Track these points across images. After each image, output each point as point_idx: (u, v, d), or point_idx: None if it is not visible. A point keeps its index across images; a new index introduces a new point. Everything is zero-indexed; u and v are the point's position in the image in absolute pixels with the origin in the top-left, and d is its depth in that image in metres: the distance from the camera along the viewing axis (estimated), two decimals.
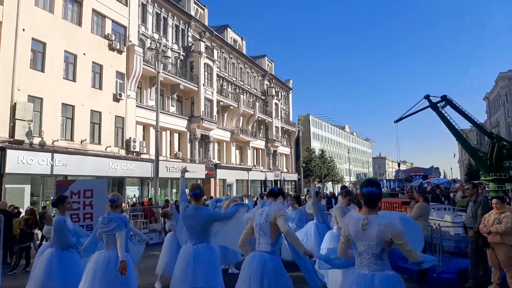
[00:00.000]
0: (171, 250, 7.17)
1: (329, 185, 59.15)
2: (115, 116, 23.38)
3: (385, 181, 47.82)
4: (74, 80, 20.83)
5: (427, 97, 33.94)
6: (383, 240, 2.90)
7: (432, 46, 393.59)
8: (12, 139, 17.09)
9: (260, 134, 44.57)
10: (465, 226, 7.47)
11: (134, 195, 25.16)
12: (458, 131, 33.88)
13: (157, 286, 7.04)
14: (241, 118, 39.97)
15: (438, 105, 33.52)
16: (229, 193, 34.12)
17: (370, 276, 2.92)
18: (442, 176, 69.94)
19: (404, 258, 8.27)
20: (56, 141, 19.29)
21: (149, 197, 23.22)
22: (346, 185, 35.36)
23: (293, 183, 53.29)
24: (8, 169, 16.67)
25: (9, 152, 16.69)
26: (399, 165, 57.01)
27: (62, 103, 20.05)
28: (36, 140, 18.33)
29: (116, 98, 23.26)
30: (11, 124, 17.19)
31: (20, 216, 12.72)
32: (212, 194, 30.61)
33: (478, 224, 6.73)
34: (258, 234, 3.87)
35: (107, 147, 22.45)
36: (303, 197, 32.42)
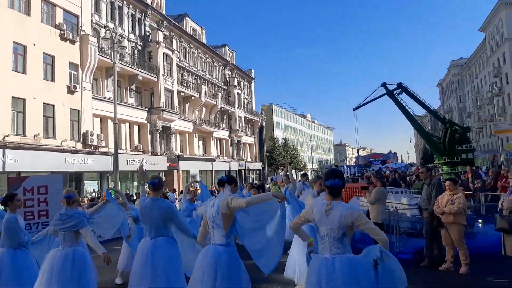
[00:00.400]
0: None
1: (292, 172, 60.01)
2: (70, 109, 22.42)
3: (345, 167, 49.17)
4: (24, 72, 19.75)
5: (383, 85, 34.94)
6: (344, 224, 3.06)
7: (389, 34, 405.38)
8: None
9: (223, 125, 44.36)
10: (420, 208, 7.79)
11: (93, 189, 24.40)
12: (413, 117, 35.19)
13: (118, 281, 6.88)
14: (203, 108, 39.55)
15: (394, 92, 34.62)
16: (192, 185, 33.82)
17: (331, 259, 3.05)
18: (399, 161, 72.78)
19: (363, 241, 8.54)
20: (7, 136, 18.29)
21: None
22: (307, 172, 35.99)
23: (258, 172, 53.73)
24: None
25: None
26: (358, 151, 58.65)
27: (12, 97, 19.00)
28: None
29: (71, 90, 22.28)
30: None
31: None
32: (176, 186, 30.21)
33: (432, 206, 7.04)
34: (211, 227, 3.77)
35: (62, 141, 21.53)
36: (268, 185, 32.77)
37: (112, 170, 21.80)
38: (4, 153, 17.72)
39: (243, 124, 48.86)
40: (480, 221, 10.40)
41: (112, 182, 23.41)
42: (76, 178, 23.18)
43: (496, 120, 43.23)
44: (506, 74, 50.17)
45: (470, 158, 32.22)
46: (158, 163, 29.31)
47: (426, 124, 60.47)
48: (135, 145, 28.69)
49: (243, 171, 47.43)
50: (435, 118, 43.46)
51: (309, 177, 12.13)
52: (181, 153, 34.12)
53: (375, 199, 7.63)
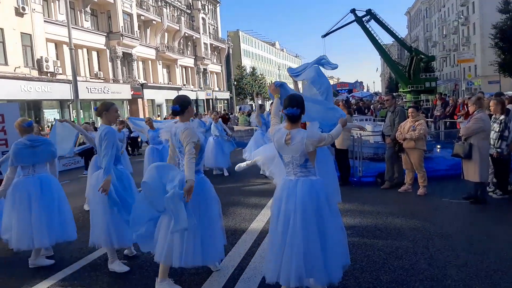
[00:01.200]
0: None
1: (260, 101, 59.95)
2: (21, 33, 20.65)
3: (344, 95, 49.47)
4: None
5: (353, 11, 34.31)
6: (305, 152, 3.13)
7: None
8: None
9: (188, 52, 42.68)
10: (383, 134, 8.06)
11: (54, 118, 23.51)
12: (381, 45, 35.25)
13: (86, 208, 6.90)
14: (166, 34, 37.59)
15: (363, 19, 34.18)
16: (159, 114, 33.27)
17: (295, 180, 3.20)
18: (365, 90, 74.03)
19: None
20: None
21: (72, 119, 21.84)
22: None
23: (226, 101, 53.20)
24: None
25: None
26: None
27: None
28: None
29: (19, 12, 20.33)
30: None
31: None
32: (141, 115, 29.59)
33: (395, 132, 7.28)
34: (179, 155, 3.68)
35: (16, 67, 20.13)
36: (236, 114, 32.72)
37: (72, 98, 20.89)
38: None
39: (209, 52, 47.24)
40: (438, 146, 10.97)
41: (73, 111, 22.59)
42: (34, 107, 22.12)
43: (460, 50, 44.04)
44: (473, 3, 50.20)
45: (433, 87, 33.25)
46: (121, 92, 28.33)
47: (393, 53, 61.01)
48: (95, 72, 27.31)
49: (210, 100, 46.84)
50: (402, 47, 43.77)
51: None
52: (145, 81, 32.96)
53: None
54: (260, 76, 60.09)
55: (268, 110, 10.58)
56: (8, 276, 4.29)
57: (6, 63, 19.75)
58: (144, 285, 3.85)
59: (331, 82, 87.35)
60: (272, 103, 4.45)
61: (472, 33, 51.24)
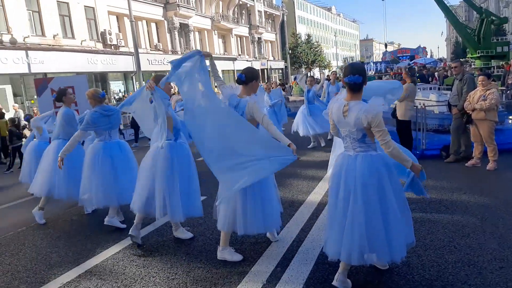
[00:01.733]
0: None
1: (316, 71, 58.69)
2: (84, 6, 21.66)
3: (372, 64, 47.46)
4: None
5: None
6: (362, 127, 2.94)
7: None
8: None
9: (243, 20, 42.34)
10: (450, 105, 7.57)
11: (119, 90, 24.73)
12: (447, 6, 32.68)
13: None
14: (221, 2, 37.47)
15: None
16: (216, 85, 33.68)
17: (354, 156, 3.06)
18: (428, 56, 69.59)
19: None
20: (27, 37, 18.12)
21: (134, 91, 22.85)
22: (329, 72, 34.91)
23: (280, 71, 52.62)
24: None
25: None
26: (386, 46, 56.08)
27: None
28: (6, 38, 17.18)
29: None
30: None
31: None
32: None
33: (463, 102, 6.81)
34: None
35: (82, 41, 21.26)
36: (289, 84, 32.36)
37: (135, 70, 21.75)
38: (27, 55, 17.75)
39: (264, 20, 46.52)
40: (510, 117, 10.15)
41: (136, 82, 23.57)
42: (101, 79, 23.40)
43: None
44: None
45: (505, 52, 30.50)
46: None
47: (460, 15, 56.27)
48: (155, 44, 28.10)
49: (265, 70, 46.56)
50: (471, 8, 40.22)
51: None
52: None
53: (404, 97, 7.40)
54: (315, 43, 58.29)
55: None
56: (85, 238, 4.71)
57: (73, 37, 20.88)
58: (207, 251, 4.04)
59: (391, 49, 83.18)
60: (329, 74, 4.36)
61: None
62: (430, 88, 13.54)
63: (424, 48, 65.40)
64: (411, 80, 7.68)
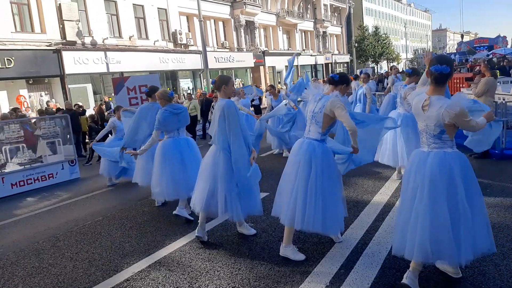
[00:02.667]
0: None
1: (383, 64, 56.40)
2: (158, 8, 22.81)
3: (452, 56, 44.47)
4: None
5: None
6: (442, 123, 2.83)
7: None
8: (64, 41, 17.51)
9: (308, 15, 41.83)
10: None
11: (188, 87, 25.75)
12: None
13: None
14: None
15: None
16: (279, 81, 33.80)
17: (427, 152, 2.97)
18: (509, 46, 63.57)
19: (462, 135, 8.03)
20: (106, 39, 19.52)
21: (203, 88, 23.63)
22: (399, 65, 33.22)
23: (345, 65, 51.30)
24: (67, 70, 17.44)
25: (64, 54, 17.25)
26: (462, 37, 52.15)
27: (104, 0, 19.75)
28: (87, 40, 18.67)
29: None
30: (61, 26, 17.45)
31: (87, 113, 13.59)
32: (263, 82, 30.48)
33: None
34: (309, 120, 3.80)
35: (155, 41, 22.43)
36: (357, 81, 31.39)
37: (202, 68, 22.50)
38: (106, 55, 19.12)
39: (329, 13, 45.57)
40: None
41: (203, 80, 24.38)
42: (172, 77, 24.55)
43: None
44: None
45: None
46: (245, 60, 29.44)
47: None
48: (222, 42, 28.81)
49: (329, 65, 45.69)
50: None
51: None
52: (266, 49, 33.60)
53: (483, 91, 6.87)
54: (383, 35, 55.84)
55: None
56: (155, 230, 4.99)
57: (147, 37, 22.11)
58: (269, 248, 4.09)
59: (468, 38, 77.45)
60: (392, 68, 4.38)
61: None
62: (511, 82, 12.40)
63: (505, 37, 59.67)
64: (490, 73, 7.11)
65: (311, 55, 40.60)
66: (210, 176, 4.18)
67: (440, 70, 2.83)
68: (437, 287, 3.13)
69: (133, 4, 21.25)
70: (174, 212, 5.18)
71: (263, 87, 25.43)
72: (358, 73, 33.62)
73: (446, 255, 2.86)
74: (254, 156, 4.11)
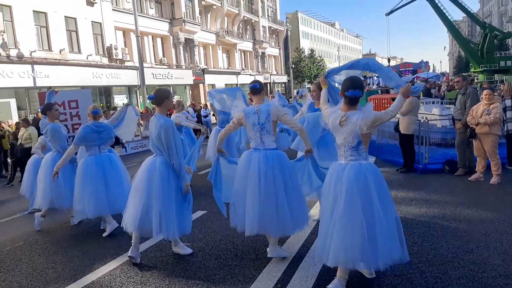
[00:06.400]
0: None
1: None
2: (92, 21, 21.97)
3: (375, 78, 47.55)
4: None
5: None
6: (359, 134, 3.11)
7: None
8: None
9: (247, 36, 42.75)
10: (453, 119, 7.53)
11: (123, 103, 24.87)
12: (450, 22, 32.87)
13: None
14: (226, 18, 37.89)
15: None
16: None
17: (344, 165, 3.19)
18: (431, 70, 69.67)
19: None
20: (33, 51, 18.36)
21: (139, 105, 22.97)
22: None
23: (283, 85, 52.87)
24: None
25: None
26: (389, 61, 56.24)
27: (33, 10, 18.64)
28: (13, 52, 17.43)
29: (90, 2, 21.59)
30: None
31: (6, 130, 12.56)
32: (202, 99, 30.35)
33: (466, 116, 6.77)
34: (259, 133, 3.87)
35: (88, 55, 21.50)
36: (295, 98, 32.37)
37: (139, 84, 21.92)
38: (33, 69, 17.96)
39: (268, 35, 46.95)
40: None
41: (140, 96, 23.73)
42: (105, 92, 23.59)
43: None
44: None
45: (508, 66, 30.47)
46: (183, 77, 29.19)
47: (463, 30, 56.51)
48: (160, 58, 28.37)
49: (268, 84, 46.78)
50: (474, 23, 40.46)
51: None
52: (206, 67, 33.65)
53: (407, 110, 7.37)
54: (318, 58, 58.64)
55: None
56: (82, 254, 4.65)
57: (79, 51, 21.14)
58: (206, 267, 3.97)
59: (394, 63, 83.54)
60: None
61: None
62: (433, 102, 13.49)
63: (427, 62, 65.53)
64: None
65: (250, 75, 41.30)
66: (144, 192, 4.01)
67: (355, 94, 3.15)
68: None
69: (65, 16, 20.27)
70: (104, 234, 4.98)
71: (202, 103, 25.23)
72: (295, 93, 34.77)
73: (363, 259, 3.00)
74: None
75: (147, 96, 20.03)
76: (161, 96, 4.05)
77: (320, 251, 3.20)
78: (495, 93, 7.10)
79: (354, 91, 3.12)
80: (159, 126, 3.90)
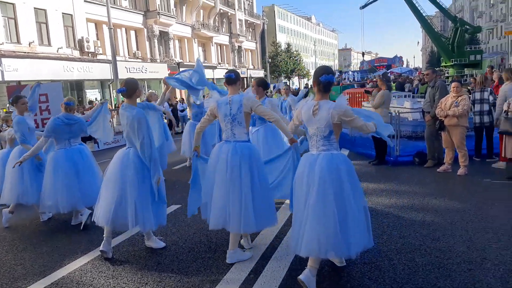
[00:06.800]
0: None
1: (295, 80, 59.20)
2: (62, 13, 21.33)
3: (350, 73, 48.21)
4: None
5: None
6: (331, 123, 3.16)
7: None
8: None
9: (223, 29, 42.47)
10: (423, 111, 7.73)
11: (96, 98, 24.34)
12: (423, 16, 33.59)
13: None
14: (202, 11, 37.52)
15: None
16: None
17: (316, 155, 3.23)
18: (405, 65, 71.13)
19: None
20: (1, 44, 17.71)
21: (112, 99, 22.50)
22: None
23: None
24: None
25: None
26: (363, 55, 57.15)
27: (1, 1, 17.97)
28: None
29: None
30: None
31: None
32: (178, 94, 30.01)
33: (435, 109, 6.96)
34: (230, 125, 3.78)
35: (58, 48, 20.90)
36: (269, 93, 32.48)
37: (112, 78, 21.48)
38: (1, 62, 17.32)
39: (244, 28, 46.78)
40: None
41: (113, 91, 23.27)
42: (77, 87, 23.00)
43: (508, 20, 41.17)
44: None
45: (478, 60, 31.44)
46: (158, 71, 28.76)
47: (436, 25, 57.85)
48: (134, 52, 27.87)
49: (245, 79, 46.70)
50: (446, 17, 41.52)
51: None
52: (181, 60, 33.28)
53: (380, 103, 7.52)
54: (295, 52, 58.94)
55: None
56: (52, 250, 4.55)
57: (49, 44, 20.52)
58: (179, 260, 3.97)
59: (369, 58, 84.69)
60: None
61: None
62: (405, 96, 13.81)
63: (401, 57, 66.81)
64: (386, 86, 7.81)
65: (226, 69, 41.03)
66: (118, 184, 3.96)
67: (328, 79, 3.19)
68: (339, 282, 3.29)
69: (35, 8, 19.61)
70: (72, 222, 5.10)
71: (178, 98, 24.94)
72: (272, 88, 34.91)
73: (335, 249, 3.06)
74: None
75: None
76: (132, 88, 4.02)
77: (294, 241, 3.24)
78: (469, 87, 7.32)
79: (327, 76, 3.17)
80: (131, 117, 3.88)
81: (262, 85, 5.44)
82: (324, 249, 3.04)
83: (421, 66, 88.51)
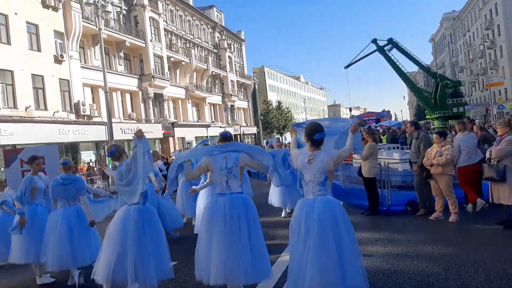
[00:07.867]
0: None
1: (287, 135, 60.17)
2: (59, 79, 22.10)
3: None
4: (8, 42, 19.28)
5: (374, 41, 34.66)
6: (326, 169, 3.51)
7: None
8: None
9: (216, 89, 43.95)
10: (411, 162, 8.00)
11: (90, 159, 24.51)
12: (404, 73, 35.14)
13: None
14: (195, 73, 39.05)
15: (385, 48, 34.37)
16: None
17: (313, 199, 3.52)
18: (393, 119, 73.00)
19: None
20: None
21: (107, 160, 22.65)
22: None
23: (253, 136, 53.87)
24: None
25: None
26: (350, 110, 58.79)
27: None
28: None
29: (58, 60, 21.87)
30: None
31: None
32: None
33: (421, 159, 7.24)
34: (225, 178, 3.94)
35: (54, 112, 21.39)
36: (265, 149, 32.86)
37: (107, 139, 21.81)
38: None
39: (236, 88, 48.45)
40: None
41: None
42: (72, 149, 23.24)
43: (488, 74, 43.24)
44: (498, 26, 49.69)
45: (461, 112, 32.49)
46: (153, 131, 29.30)
47: (419, 81, 60.48)
48: (129, 113, 28.55)
49: (238, 136, 47.53)
50: (427, 74, 43.43)
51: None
52: (175, 120, 34.03)
53: (367, 154, 7.80)
54: (286, 109, 60.79)
55: None
56: None
57: (45, 108, 21.03)
58: None
59: (357, 113, 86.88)
60: None
61: (499, 56, 50.35)
62: (394, 148, 14.20)
63: (389, 111, 68.88)
64: (372, 139, 8.14)
65: (220, 127, 41.94)
66: (119, 238, 4.03)
67: (321, 136, 3.63)
68: None
69: (32, 74, 20.36)
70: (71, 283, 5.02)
71: (174, 157, 25.22)
72: (265, 144, 35.41)
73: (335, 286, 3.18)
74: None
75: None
76: (120, 149, 4.48)
77: (294, 284, 3.35)
78: (445, 137, 7.59)
79: (320, 134, 3.61)
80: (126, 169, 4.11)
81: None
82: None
83: (408, 119, 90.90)
